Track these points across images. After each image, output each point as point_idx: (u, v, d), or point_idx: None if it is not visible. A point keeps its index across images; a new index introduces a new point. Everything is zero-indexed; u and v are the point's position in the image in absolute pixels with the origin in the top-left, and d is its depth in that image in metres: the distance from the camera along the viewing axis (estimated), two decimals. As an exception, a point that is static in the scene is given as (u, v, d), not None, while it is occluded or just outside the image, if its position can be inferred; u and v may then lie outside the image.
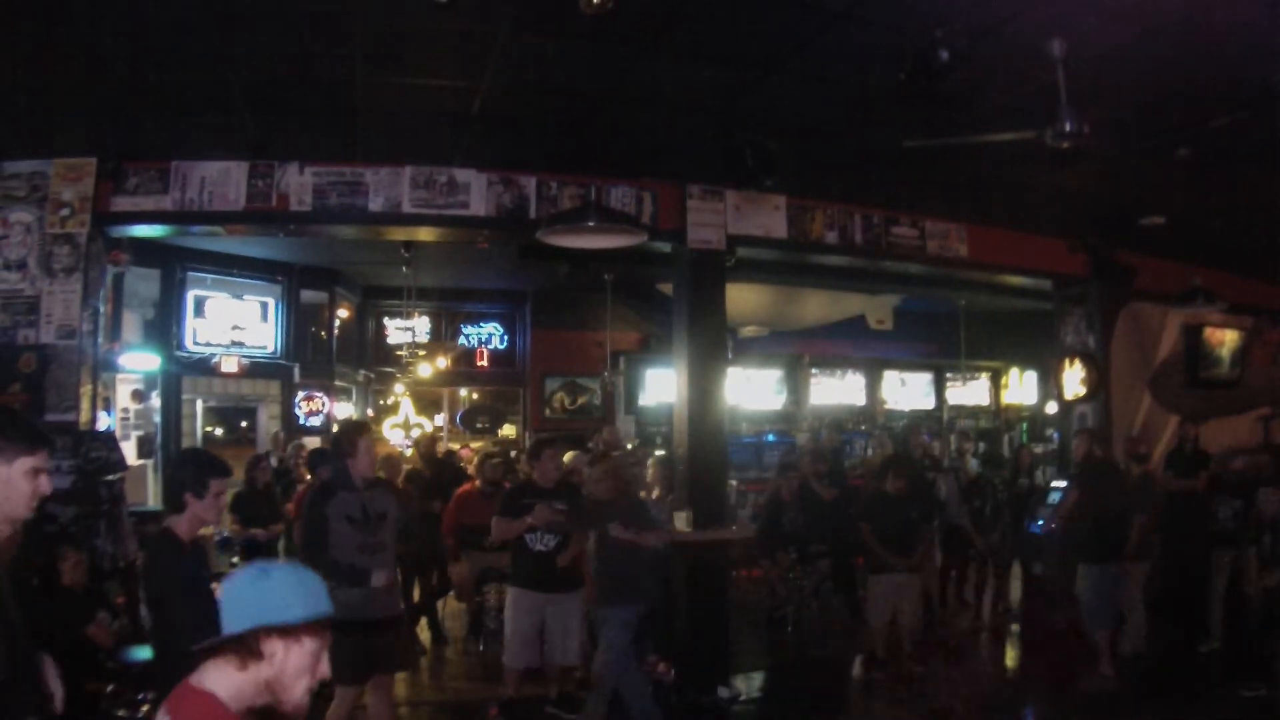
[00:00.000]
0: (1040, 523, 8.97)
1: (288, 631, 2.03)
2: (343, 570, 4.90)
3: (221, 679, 2.03)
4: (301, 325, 12.87)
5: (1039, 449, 13.45)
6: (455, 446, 12.52)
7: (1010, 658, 9.09)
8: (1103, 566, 7.28)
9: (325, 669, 2.12)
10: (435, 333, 15.20)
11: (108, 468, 6.51)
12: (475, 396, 16.82)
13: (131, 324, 10.89)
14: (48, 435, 2.77)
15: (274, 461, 9.85)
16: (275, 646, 2.03)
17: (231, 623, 2.03)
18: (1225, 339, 11.04)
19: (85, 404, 6.55)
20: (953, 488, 9.86)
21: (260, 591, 2.05)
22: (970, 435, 12.36)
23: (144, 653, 5.67)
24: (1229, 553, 8.01)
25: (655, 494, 8.15)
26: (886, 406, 16.24)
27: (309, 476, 8.69)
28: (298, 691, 2.07)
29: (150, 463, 10.81)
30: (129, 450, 9.93)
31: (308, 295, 12.92)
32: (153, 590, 3.77)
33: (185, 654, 2.17)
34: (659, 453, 11.46)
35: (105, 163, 6.60)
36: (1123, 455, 8.35)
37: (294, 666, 2.05)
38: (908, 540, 7.56)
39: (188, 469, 3.87)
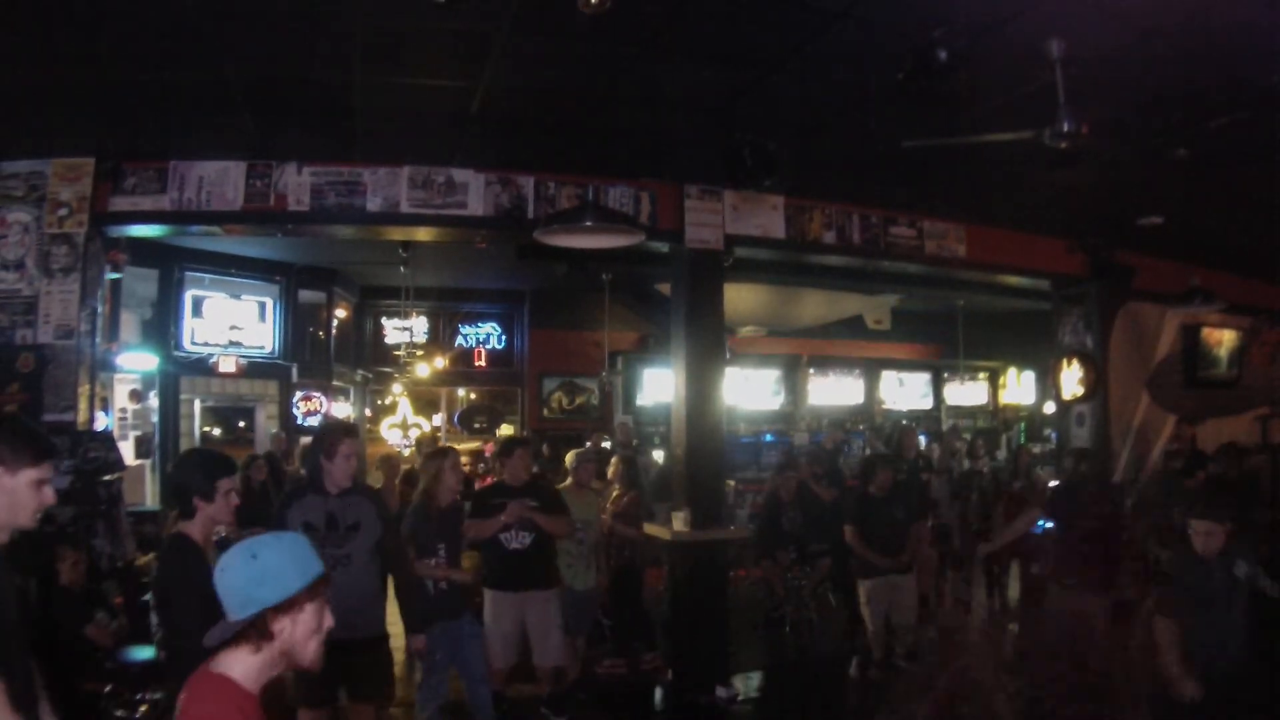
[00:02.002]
0: (1040, 523, 8.96)
1: (289, 605, 2.19)
2: None
3: (237, 663, 2.19)
4: (299, 325, 12.86)
5: (1037, 449, 13.48)
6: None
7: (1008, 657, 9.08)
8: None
9: (330, 620, 2.29)
10: (433, 333, 15.20)
11: (106, 468, 6.50)
12: (473, 396, 16.82)
13: (129, 324, 10.89)
14: (54, 446, 2.78)
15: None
16: (282, 623, 2.18)
17: (235, 610, 2.18)
18: (1223, 339, 11.07)
19: (83, 404, 6.54)
20: (945, 488, 9.89)
21: (255, 576, 2.18)
22: (960, 434, 12.36)
23: (142, 653, 5.67)
24: None
25: (615, 493, 8.15)
26: (884, 406, 16.27)
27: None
28: (310, 651, 2.25)
29: (148, 463, 10.81)
30: (127, 450, 9.93)
31: (305, 295, 12.92)
32: (166, 596, 3.63)
33: (197, 655, 2.27)
34: (657, 453, 11.49)
35: (103, 163, 6.59)
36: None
37: (302, 632, 2.22)
38: (895, 541, 7.54)
39: (192, 472, 3.71)
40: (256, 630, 2.17)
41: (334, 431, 5.03)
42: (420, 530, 5.76)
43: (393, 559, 5.04)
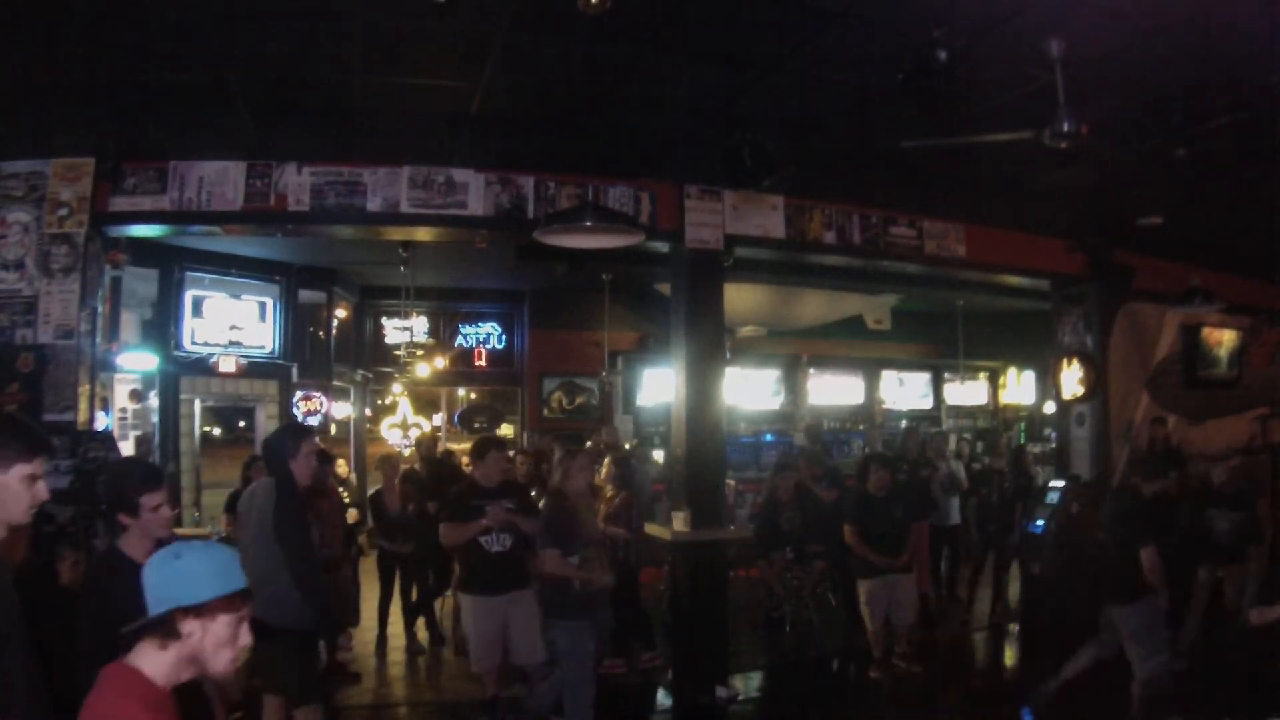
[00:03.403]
0: (1040, 523, 8.95)
1: (202, 610, 2.17)
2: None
3: (147, 658, 2.18)
4: (299, 325, 12.86)
5: (1037, 449, 13.47)
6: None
7: (1008, 657, 9.09)
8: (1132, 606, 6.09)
9: (247, 638, 2.27)
10: (433, 332, 15.19)
11: (106, 468, 6.50)
12: (473, 396, 16.84)
13: (129, 324, 10.89)
14: (46, 441, 2.77)
15: None
16: (192, 626, 2.17)
17: (152, 606, 2.17)
18: (1223, 339, 11.06)
19: (83, 404, 6.54)
20: (940, 488, 9.89)
21: (173, 574, 2.19)
22: (948, 437, 12.32)
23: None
24: (1218, 569, 7.77)
25: (609, 493, 8.14)
26: (885, 406, 16.26)
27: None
28: (221, 662, 2.23)
29: (148, 463, 10.80)
30: (127, 450, 9.92)
31: (306, 295, 12.92)
32: (96, 617, 3.19)
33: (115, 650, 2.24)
34: (657, 453, 11.46)
35: (103, 163, 6.58)
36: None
37: (213, 641, 2.20)
38: (894, 540, 7.54)
39: (113, 489, 3.51)
40: (164, 628, 2.16)
41: (300, 432, 5.15)
42: (560, 529, 5.89)
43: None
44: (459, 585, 6.68)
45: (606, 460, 8.66)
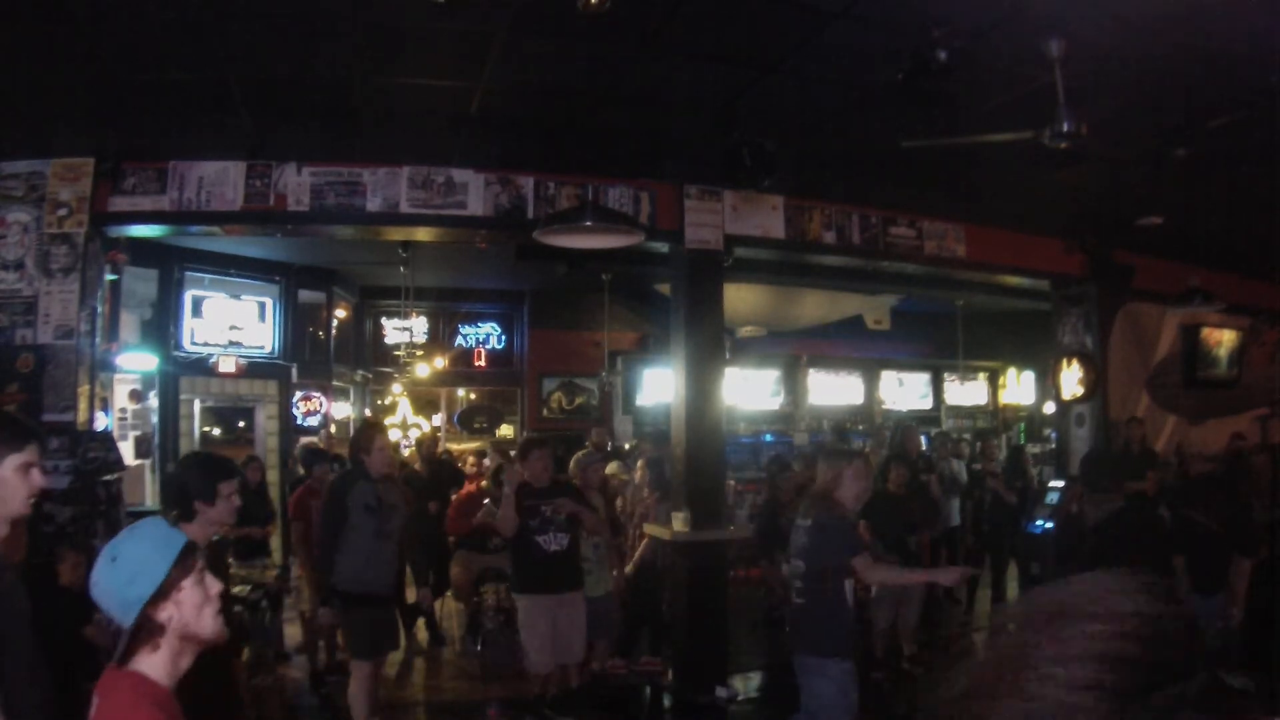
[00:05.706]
0: (1040, 523, 8.94)
1: (166, 590, 2.12)
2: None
3: (146, 662, 2.13)
4: (299, 325, 12.84)
5: (1036, 449, 13.46)
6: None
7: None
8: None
9: (215, 587, 2.23)
10: (433, 333, 15.18)
11: (105, 468, 6.50)
12: (473, 396, 16.80)
13: (129, 324, 10.87)
14: (35, 429, 2.74)
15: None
16: (166, 609, 2.12)
17: (122, 618, 2.11)
18: (1223, 339, 11.07)
19: (83, 404, 6.54)
20: (941, 489, 9.89)
21: (122, 577, 2.12)
22: (953, 436, 12.34)
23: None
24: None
25: (645, 494, 8.13)
26: (884, 407, 16.26)
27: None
28: (206, 623, 2.18)
29: (148, 463, 10.79)
30: (126, 450, 9.91)
31: (305, 295, 12.90)
32: None
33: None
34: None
35: (103, 163, 6.58)
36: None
37: (190, 609, 2.15)
38: (906, 540, 7.53)
39: (193, 475, 3.72)
40: (145, 630, 2.11)
41: (370, 429, 6.26)
42: (851, 537, 5.05)
43: (403, 535, 6.10)
44: (514, 588, 6.61)
45: (640, 462, 8.68)
